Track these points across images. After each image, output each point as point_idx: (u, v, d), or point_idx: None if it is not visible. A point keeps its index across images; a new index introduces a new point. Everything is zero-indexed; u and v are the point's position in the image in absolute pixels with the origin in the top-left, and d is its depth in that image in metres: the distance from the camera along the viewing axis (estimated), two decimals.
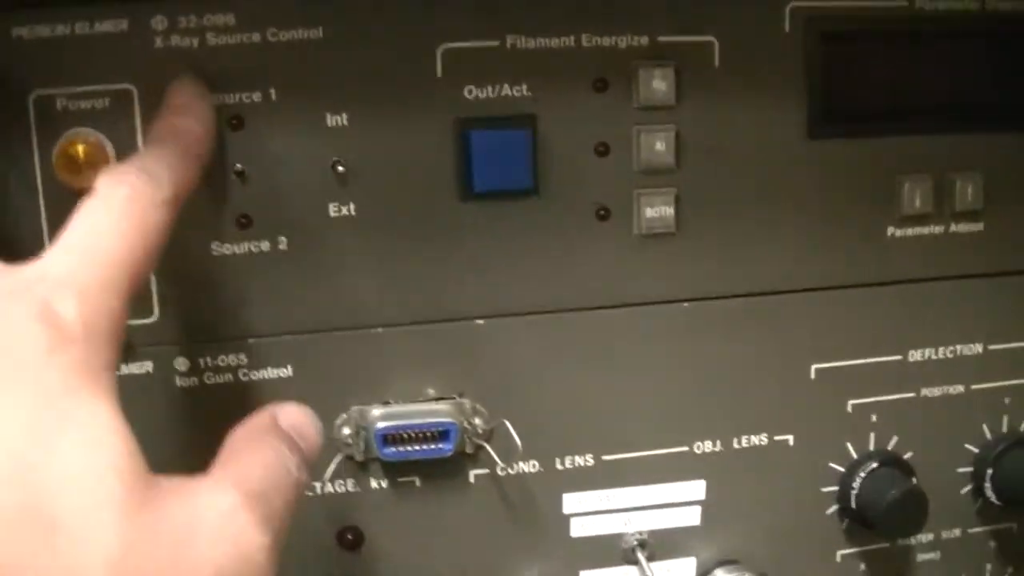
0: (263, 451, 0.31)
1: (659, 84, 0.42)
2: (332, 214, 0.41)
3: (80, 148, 0.39)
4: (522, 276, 0.43)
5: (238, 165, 0.40)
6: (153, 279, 0.40)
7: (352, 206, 0.41)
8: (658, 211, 0.43)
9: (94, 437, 0.27)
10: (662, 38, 0.42)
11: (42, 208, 0.39)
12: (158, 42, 0.39)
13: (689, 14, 0.42)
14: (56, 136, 0.39)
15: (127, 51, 0.39)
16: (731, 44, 0.43)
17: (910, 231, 0.46)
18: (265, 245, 0.41)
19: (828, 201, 0.45)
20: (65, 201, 0.38)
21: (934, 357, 0.47)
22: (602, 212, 0.43)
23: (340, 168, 0.41)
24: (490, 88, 0.41)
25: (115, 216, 0.31)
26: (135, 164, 0.34)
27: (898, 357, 0.47)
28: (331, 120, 0.40)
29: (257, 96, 0.40)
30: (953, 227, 0.46)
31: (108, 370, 0.28)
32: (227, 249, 0.41)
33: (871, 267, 0.46)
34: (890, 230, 0.46)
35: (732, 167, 0.44)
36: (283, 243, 0.41)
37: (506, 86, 0.41)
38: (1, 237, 0.39)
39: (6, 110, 0.38)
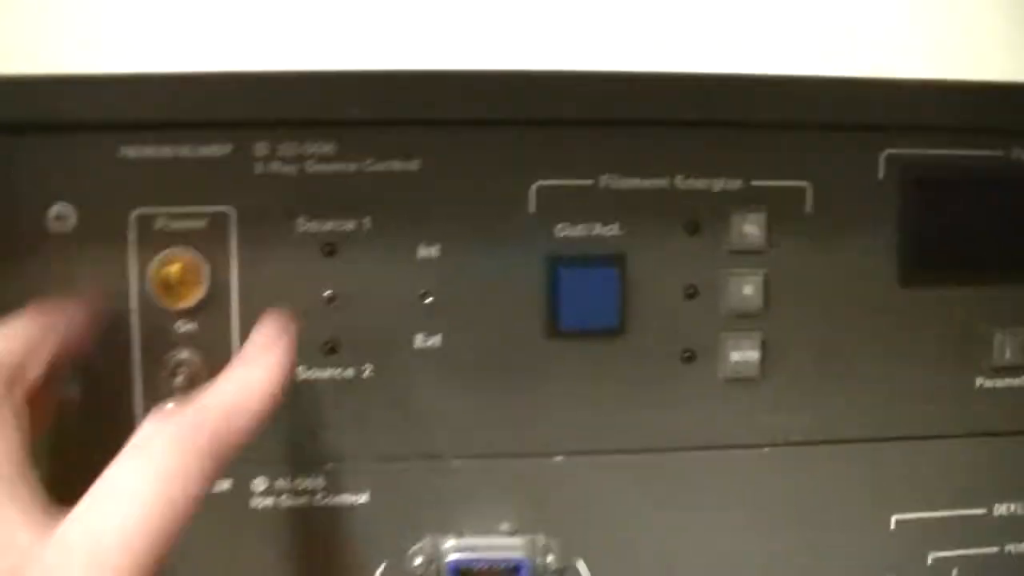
0: None
1: (751, 228, 0.42)
2: (418, 344, 0.41)
3: (176, 267, 0.40)
4: (603, 415, 0.43)
5: (328, 291, 0.41)
6: None
7: (438, 337, 0.41)
8: (743, 355, 0.43)
9: None
10: (756, 182, 0.42)
11: (135, 325, 0.40)
12: (259, 167, 0.40)
13: (783, 159, 0.42)
14: (154, 254, 0.39)
15: (228, 175, 0.40)
16: (824, 189, 0.43)
17: (1000, 382, 0.45)
18: (350, 372, 0.41)
19: (917, 350, 0.44)
20: (157, 317, 0.40)
21: (1021, 512, 0.46)
22: (687, 354, 0.43)
23: (429, 299, 0.41)
24: (581, 226, 0.42)
25: (149, 478, 0.30)
26: (189, 417, 0.32)
27: (983, 510, 0.46)
28: (423, 251, 0.41)
29: (351, 224, 0.41)
30: None
31: None
32: (312, 374, 0.41)
33: (958, 418, 0.45)
34: (979, 380, 0.45)
35: (820, 313, 0.43)
36: (368, 371, 0.41)
37: (597, 225, 0.42)
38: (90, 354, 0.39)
39: (108, 226, 0.39)
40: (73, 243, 0.39)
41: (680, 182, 0.42)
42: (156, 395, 0.40)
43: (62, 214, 0.39)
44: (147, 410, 0.39)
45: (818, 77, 0.39)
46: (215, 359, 0.40)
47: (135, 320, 0.40)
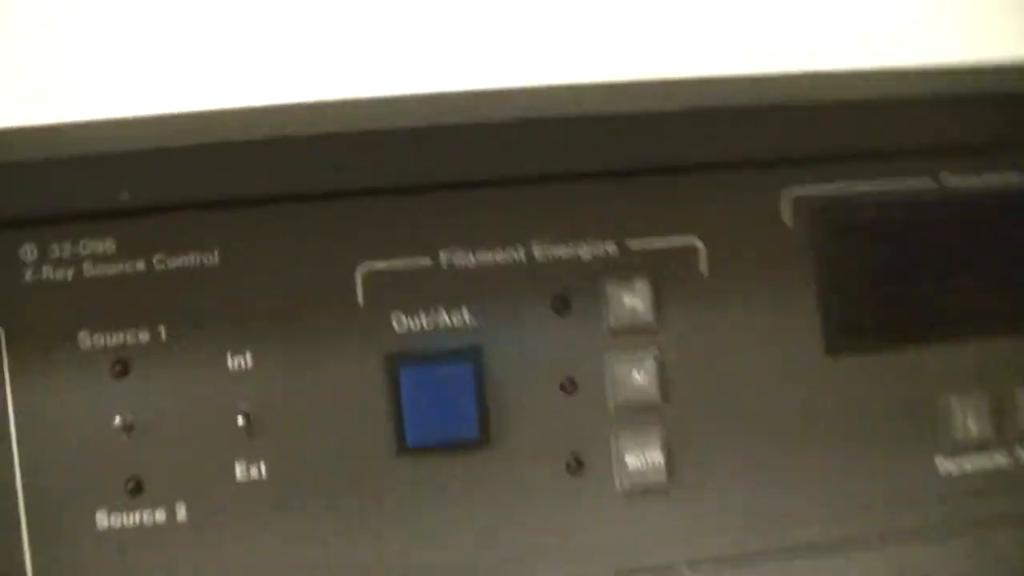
0: None
1: (634, 300, 0.37)
2: (239, 476, 0.36)
3: None
4: (475, 549, 0.37)
5: (124, 418, 0.35)
6: (28, 564, 0.35)
7: (262, 466, 0.36)
8: (643, 459, 0.37)
9: None
10: (634, 243, 0.37)
11: None
12: (27, 275, 0.35)
13: (666, 213, 0.37)
14: None
15: None
16: (719, 244, 0.38)
17: (966, 462, 0.39)
18: (160, 515, 0.36)
19: (857, 431, 0.39)
20: None
21: None
22: (572, 464, 0.37)
23: (246, 420, 0.35)
24: (423, 316, 0.36)
25: None
26: None
27: None
28: (233, 362, 0.36)
29: (144, 336, 0.36)
30: (1022, 452, 0.39)
31: None
32: (115, 520, 0.35)
33: (922, 511, 0.39)
34: (940, 461, 0.39)
35: (733, 397, 0.38)
36: (181, 512, 0.36)
37: (443, 313, 0.36)
38: None
39: None
40: None
41: (541, 251, 0.37)
42: None
43: None
44: None
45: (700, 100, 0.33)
46: None
47: None
